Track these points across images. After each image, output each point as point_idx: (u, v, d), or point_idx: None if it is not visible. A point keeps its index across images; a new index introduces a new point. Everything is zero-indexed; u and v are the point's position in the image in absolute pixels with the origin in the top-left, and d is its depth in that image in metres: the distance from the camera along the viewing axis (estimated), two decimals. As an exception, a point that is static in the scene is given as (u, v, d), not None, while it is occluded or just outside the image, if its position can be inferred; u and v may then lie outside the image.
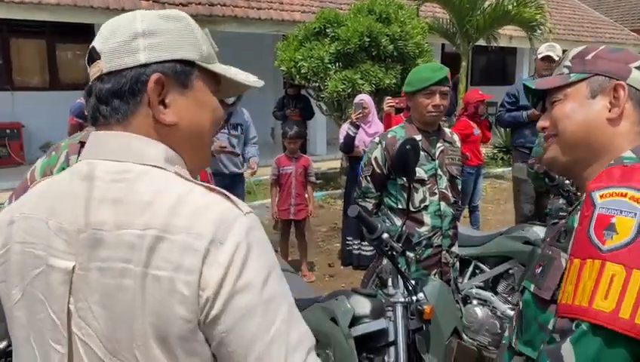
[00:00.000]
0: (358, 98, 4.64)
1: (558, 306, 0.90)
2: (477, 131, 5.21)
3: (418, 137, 2.46)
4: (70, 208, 0.81)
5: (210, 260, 0.74)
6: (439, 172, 2.57)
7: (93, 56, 0.84)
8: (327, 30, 6.80)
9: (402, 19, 6.93)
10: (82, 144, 1.48)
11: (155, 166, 0.81)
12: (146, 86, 0.82)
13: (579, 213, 0.93)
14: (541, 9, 8.89)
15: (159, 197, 0.77)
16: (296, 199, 4.58)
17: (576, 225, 0.92)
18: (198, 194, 0.79)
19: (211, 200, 0.78)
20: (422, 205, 2.52)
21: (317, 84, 6.87)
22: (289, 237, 4.83)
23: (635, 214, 0.83)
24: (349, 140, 4.40)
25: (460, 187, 2.71)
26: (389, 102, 4.46)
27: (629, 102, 1.01)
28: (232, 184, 4.61)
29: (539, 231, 3.22)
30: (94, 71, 0.84)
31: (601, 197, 0.88)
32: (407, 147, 2.04)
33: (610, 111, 1.01)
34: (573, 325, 0.86)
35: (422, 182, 2.51)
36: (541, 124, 1.10)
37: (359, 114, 4.36)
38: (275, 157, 4.79)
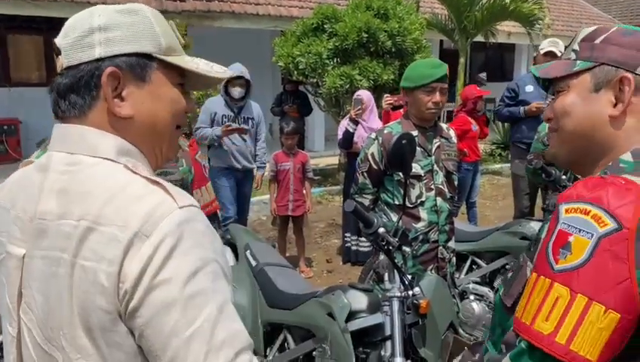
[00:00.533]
0: (357, 94, 4.64)
1: (514, 318, 0.87)
2: (475, 127, 5.22)
3: (414, 133, 2.47)
4: (26, 198, 0.84)
5: (132, 252, 0.73)
6: (435, 167, 2.57)
7: (56, 52, 0.85)
8: (325, 26, 6.78)
9: (400, 15, 6.91)
10: None
11: (106, 158, 0.82)
12: (100, 80, 0.82)
13: (549, 222, 0.87)
14: (540, 3, 8.88)
15: (98, 188, 0.78)
16: (294, 195, 4.58)
17: (543, 235, 0.88)
18: (137, 186, 0.78)
19: (147, 193, 0.78)
20: (418, 201, 2.52)
21: (315, 80, 6.85)
22: (287, 233, 4.84)
23: (592, 235, 0.77)
24: (348, 136, 4.40)
25: (456, 183, 2.72)
26: (387, 100, 4.46)
27: (638, 95, 0.90)
28: (244, 179, 4.62)
29: (536, 227, 3.22)
30: (58, 66, 0.85)
31: (566, 211, 0.82)
32: (403, 141, 2.04)
33: (614, 106, 0.91)
34: (517, 340, 0.84)
35: (418, 177, 2.51)
36: (547, 114, 1.04)
37: (358, 110, 4.36)
38: (273, 153, 4.79)
